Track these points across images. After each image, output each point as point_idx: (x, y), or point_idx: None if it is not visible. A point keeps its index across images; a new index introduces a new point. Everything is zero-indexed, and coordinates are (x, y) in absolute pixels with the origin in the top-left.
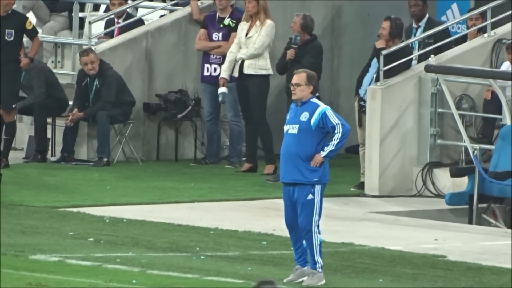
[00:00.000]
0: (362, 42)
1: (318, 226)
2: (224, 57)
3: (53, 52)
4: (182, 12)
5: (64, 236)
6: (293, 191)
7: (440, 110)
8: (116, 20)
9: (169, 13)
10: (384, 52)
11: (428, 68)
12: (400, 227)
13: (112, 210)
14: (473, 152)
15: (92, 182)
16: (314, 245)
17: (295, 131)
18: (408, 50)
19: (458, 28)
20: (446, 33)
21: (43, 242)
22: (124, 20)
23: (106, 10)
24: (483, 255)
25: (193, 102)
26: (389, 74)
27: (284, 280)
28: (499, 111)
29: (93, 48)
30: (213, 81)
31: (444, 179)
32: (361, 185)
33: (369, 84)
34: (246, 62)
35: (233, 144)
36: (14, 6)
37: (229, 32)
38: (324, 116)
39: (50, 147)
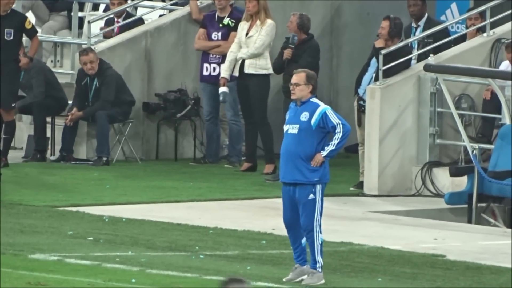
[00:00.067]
0: (362, 42)
1: (320, 226)
2: (223, 56)
3: (53, 51)
4: (181, 11)
5: (63, 235)
6: (293, 191)
7: (439, 109)
8: (115, 19)
9: (169, 12)
10: (383, 51)
11: (427, 68)
12: (399, 226)
13: (112, 210)
14: (473, 151)
15: (92, 181)
16: (315, 245)
17: (295, 131)
18: (407, 49)
19: (457, 27)
20: (445, 32)
21: (42, 242)
22: (123, 20)
23: (106, 10)
24: (482, 254)
25: (193, 101)
26: (388, 73)
27: (284, 279)
28: (498, 111)
29: (92, 47)
30: (212, 81)
31: (443, 179)
32: (360, 185)
33: (368, 84)
34: (247, 62)
35: (233, 144)
36: (14, 6)
37: (228, 32)
38: (324, 116)
39: (49, 147)
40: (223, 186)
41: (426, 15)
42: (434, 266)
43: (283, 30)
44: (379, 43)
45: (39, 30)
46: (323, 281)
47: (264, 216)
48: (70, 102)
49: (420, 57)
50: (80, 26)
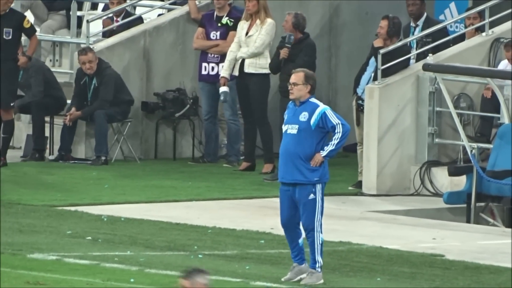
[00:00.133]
0: (360, 41)
1: (320, 225)
2: (221, 56)
3: (51, 50)
4: (180, 11)
5: (62, 234)
6: (293, 191)
7: (438, 109)
8: (115, 18)
9: (167, 12)
10: (382, 51)
11: (426, 67)
12: (398, 226)
13: (110, 209)
14: (471, 151)
15: (90, 180)
16: (315, 244)
17: (294, 131)
18: (406, 49)
19: (456, 27)
20: (444, 32)
21: (41, 241)
22: (123, 19)
23: (104, 9)
24: (481, 254)
25: (191, 100)
26: (387, 73)
27: (282, 279)
28: (497, 110)
29: (91, 47)
30: (211, 80)
31: (442, 178)
32: (359, 184)
33: (367, 83)
34: (247, 61)
35: (231, 143)
36: (13, 5)
37: (227, 31)
38: (324, 116)
39: (48, 146)
40: (222, 185)
41: (425, 14)
42: (432, 265)
43: (282, 30)
44: (377, 43)
45: (37, 29)
46: (322, 281)
47: (263, 215)
48: (68, 101)
49: (419, 57)
50: (79, 25)
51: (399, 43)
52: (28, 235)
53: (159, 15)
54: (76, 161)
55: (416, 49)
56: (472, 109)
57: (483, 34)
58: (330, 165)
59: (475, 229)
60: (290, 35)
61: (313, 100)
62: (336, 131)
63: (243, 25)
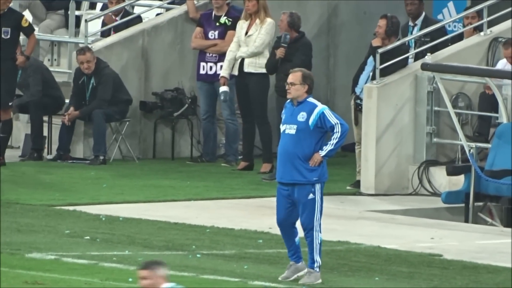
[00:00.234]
0: (358, 41)
1: (319, 225)
2: (220, 55)
3: (50, 50)
4: (178, 10)
5: (60, 234)
6: (292, 191)
7: (436, 108)
8: (113, 17)
9: (166, 11)
10: (380, 50)
11: (425, 67)
12: (396, 225)
13: (108, 209)
14: (469, 150)
15: (88, 180)
16: (314, 244)
17: (293, 131)
18: (404, 48)
19: (455, 26)
20: (442, 31)
21: (39, 241)
22: (121, 18)
23: (103, 8)
24: (479, 253)
25: (189, 100)
26: (385, 72)
27: (279, 278)
28: (495, 110)
29: (89, 46)
30: (209, 79)
31: (440, 178)
32: (357, 184)
33: (365, 83)
34: (246, 61)
35: (229, 143)
36: (11, 4)
37: (225, 31)
38: (322, 116)
39: (46, 145)
40: (220, 185)
41: (423, 14)
42: (431, 265)
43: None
44: (376, 42)
45: (36, 28)
46: (320, 281)
47: (261, 215)
48: (67, 101)
49: (417, 56)
50: (77, 25)
51: (398, 43)
52: (26, 235)
53: (158, 14)
54: (74, 161)
55: (415, 49)
56: (470, 108)
57: (482, 33)
58: (329, 165)
59: (473, 228)
60: (286, 34)
61: (311, 99)
62: (334, 131)
63: (242, 25)
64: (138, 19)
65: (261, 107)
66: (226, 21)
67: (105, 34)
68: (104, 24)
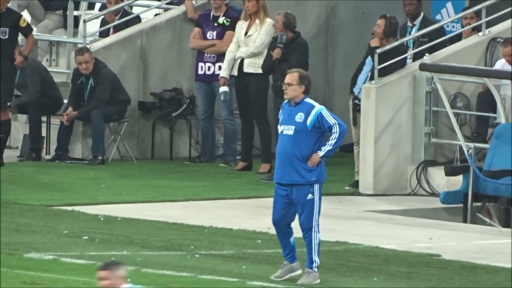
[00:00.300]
0: (357, 41)
1: (318, 225)
2: (218, 55)
3: (48, 50)
4: (176, 10)
5: (59, 234)
6: (290, 191)
7: (434, 108)
8: (114, 16)
9: (164, 11)
10: (378, 50)
11: (423, 67)
12: (395, 226)
13: (107, 209)
14: (468, 150)
15: (87, 180)
16: (313, 244)
17: (291, 132)
18: (402, 48)
19: (453, 27)
20: (440, 31)
21: (37, 241)
22: (120, 18)
23: (101, 9)
24: (478, 254)
25: (188, 100)
26: (383, 72)
27: (272, 277)
28: (494, 110)
29: (88, 46)
30: (207, 80)
31: (438, 178)
32: (355, 184)
33: (364, 83)
34: (246, 61)
35: (228, 143)
36: (9, 5)
37: (223, 31)
38: (320, 116)
39: (44, 146)
40: (219, 185)
41: (422, 14)
42: (429, 265)
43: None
44: (374, 42)
45: (34, 29)
46: (318, 281)
47: (259, 215)
48: (65, 101)
49: (416, 56)
50: (76, 25)
51: (396, 43)
52: (24, 235)
53: (156, 14)
54: (73, 161)
55: (413, 49)
56: (469, 108)
57: (480, 33)
58: (327, 165)
59: (472, 229)
60: (282, 35)
61: (308, 100)
62: (333, 131)
63: (242, 25)
64: (137, 19)
65: (261, 107)
66: (225, 21)
67: (103, 34)
68: (104, 22)
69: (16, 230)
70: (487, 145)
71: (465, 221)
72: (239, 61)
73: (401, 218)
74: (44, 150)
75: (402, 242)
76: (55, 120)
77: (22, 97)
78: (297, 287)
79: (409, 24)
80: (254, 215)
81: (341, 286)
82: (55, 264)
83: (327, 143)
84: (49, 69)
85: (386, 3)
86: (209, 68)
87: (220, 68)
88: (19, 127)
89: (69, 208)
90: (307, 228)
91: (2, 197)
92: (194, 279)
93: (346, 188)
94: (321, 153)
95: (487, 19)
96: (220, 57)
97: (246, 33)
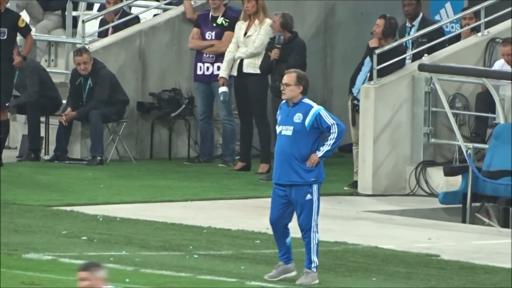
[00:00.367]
0: (356, 41)
1: (317, 226)
2: (216, 56)
3: (47, 50)
4: (175, 11)
5: (57, 234)
6: (289, 192)
7: (433, 109)
8: (114, 16)
9: (163, 12)
10: (377, 51)
11: (422, 67)
12: (393, 226)
13: (106, 209)
14: (467, 151)
15: (86, 181)
16: (312, 244)
17: (289, 132)
18: (401, 49)
19: (452, 27)
20: (439, 32)
21: (36, 241)
22: (119, 19)
23: (100, 9)
24: (477, 254)
25: (187, 100)
26: (382, 73)
27: (265, 276)
28: (492, 110)
29: (86, 47)
30: (206, 80)
31: (437, 178)
32: (354, 184)
33: (363, 83)
34: (245, 61)
35: (226, 143)
36: (8, 5)
37: (222, 31)
38: (318, 117)
39: (43, 146)
40: (217, 185)
41: (421, 14)
42: (428, 265)
43: None
44: (373, 43)
45: (33, 29)
46: (317, 281)
47: (258, 215)
48: (64, 101)
49: (415, 57)
50: (74, 25)
51: (395, 43)
52: (23, 235)
53: (155, 15)
54: (71, 161)
55: (412, 49)
56: (468, 109)
57: (479, 34)
58: (326, 165)
59: (471, 229)
60: (280, 35)
61: (306, 100)
62: (331, 131)
63: (241, 26)
64: (136, 19)
65: (260, 107)
66: (223, 21)
67: (102, 34)
68: (103, 22)
69: (15, 231)
70: (486, 146)
71: (464, 221)
72: (238, 61)
73: (400, 218)
74: (43, 151)
75: (401, 242)
76: (54, 120)
77: (21, 97)
78: (296, 287)
79: (408, 24)
80: (253, 215)
81: (340, 286)
82: (54, 265)
83: (326, 143)
84: (48, 69)
85: (385, 3)
86: (207, 68)
87: (218, 68)
88: (18, 127)
89: (68, 208)
90: (306, 229)
91: (1, 197)
92: (193, 279)
93: (345, 188)
94: (319, 154)
95: (486, 20)
96: (219, 57)
97: (245, 34)
